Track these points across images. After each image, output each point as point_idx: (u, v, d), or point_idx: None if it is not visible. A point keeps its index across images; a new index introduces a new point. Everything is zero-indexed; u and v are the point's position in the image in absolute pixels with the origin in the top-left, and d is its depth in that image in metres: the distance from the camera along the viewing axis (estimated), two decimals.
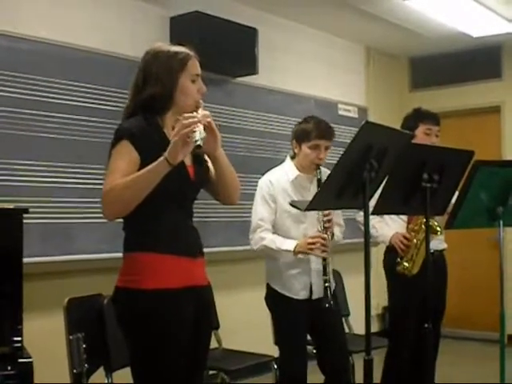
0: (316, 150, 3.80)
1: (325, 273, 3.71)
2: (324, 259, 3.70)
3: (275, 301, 3.91)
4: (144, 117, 2.65)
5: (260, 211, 3.84)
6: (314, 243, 3.64)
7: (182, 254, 2.64)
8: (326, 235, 3.67)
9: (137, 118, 2.66)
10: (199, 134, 2.47)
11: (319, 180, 3.72)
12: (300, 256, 3.75)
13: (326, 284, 3.69)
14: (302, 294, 3.83)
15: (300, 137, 3.86)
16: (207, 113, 2.60)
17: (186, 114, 2.52)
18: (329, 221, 3.71)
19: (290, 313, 3.85)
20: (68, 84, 4.57)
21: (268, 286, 3.94)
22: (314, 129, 3.81)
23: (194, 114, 2.55)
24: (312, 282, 3.83)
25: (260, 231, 3.81)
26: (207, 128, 2.56)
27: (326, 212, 3.70)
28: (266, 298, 3.97)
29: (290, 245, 3.72)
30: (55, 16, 4.65)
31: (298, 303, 3.83)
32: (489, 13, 6.21)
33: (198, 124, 2.49)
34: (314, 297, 3.83)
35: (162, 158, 2.45)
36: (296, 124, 3.99)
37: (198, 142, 2.45)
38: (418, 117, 4.41)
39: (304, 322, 3.85)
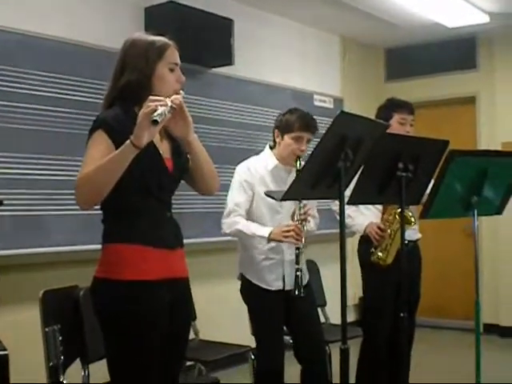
0: (298, 141, 3.81)
1: (297, 262, 3.70)
2: (297, 248, 3.70)
3: (250, 292, 3.91)
4: (121, 106, 2.63)
5: (236, 196, 3.83)
6: (288, 231, 3.64)
7: (159, 245, 2.63)
8: (300, 225, 3.67)
9: (114, 107, 2.64)
10: (160, 111, 2.39)
11: (299, 171, 3.70)
12: (272, 244, 3.77)
13: (297, 273, 3.69)
14: (276, 285, 3.85)
15: (283, 127, 3.86)
16: (178, 96, 2.55)
17: (153, 97, 2.48)
18: (305, 213, 3.72)
19: (265, 304, 3.86)
20: (41, 75, 4.52)
21: (242, 277, 3.94)
22: (297, 120, 3.82)
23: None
24: (285, 273, 3.85)
25: (234, 216, 3.80)
26: (177, 112, 2.53)
27: (304, 205, 3.71)
28: (241, 290, 3.97)
29: (264, 231, 3.71)
30: (28, 6, 4.61)
31: (272, 294, 3.84)
32: (464, 3, 6.25)
33: (164, 104, 2.44)
34: (287, 288, 3.84)
35: (127, 141, 2.41)
36: (280, 114, 3.98)
37: (155, 118, 2.38)
38: (392, 106, 4.41)
39: (280, 312, 3.86)
